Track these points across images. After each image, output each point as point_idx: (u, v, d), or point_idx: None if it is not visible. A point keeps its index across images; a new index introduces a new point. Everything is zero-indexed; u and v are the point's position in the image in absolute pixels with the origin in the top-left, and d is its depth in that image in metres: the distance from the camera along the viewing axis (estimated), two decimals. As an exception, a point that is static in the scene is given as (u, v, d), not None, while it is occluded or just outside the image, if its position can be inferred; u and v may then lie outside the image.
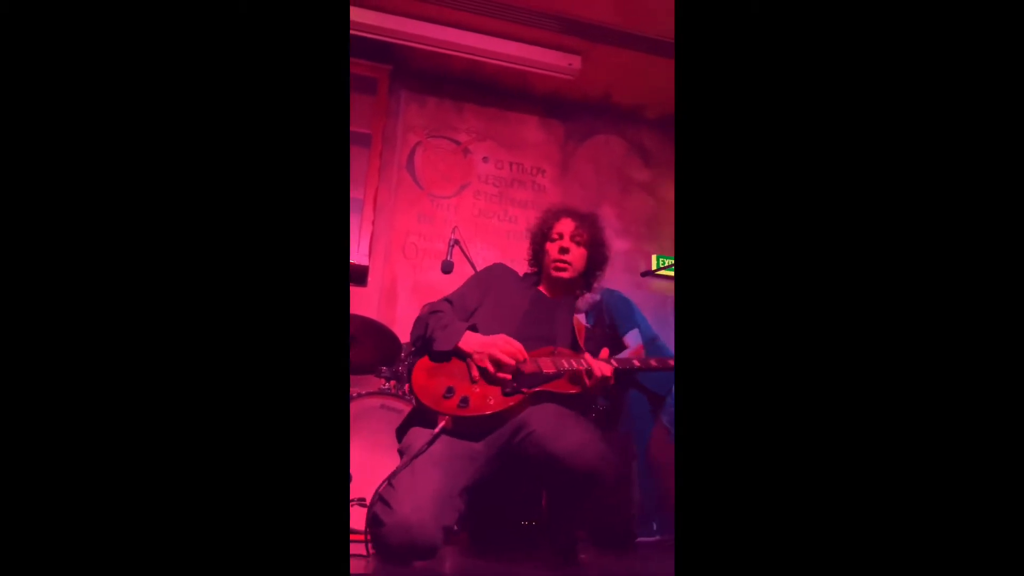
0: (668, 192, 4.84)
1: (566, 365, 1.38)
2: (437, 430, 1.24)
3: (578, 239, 1.63)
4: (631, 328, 2.97)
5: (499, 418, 1.30)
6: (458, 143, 4.50)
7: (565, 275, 1.62)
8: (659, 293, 3.79)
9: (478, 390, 1.32)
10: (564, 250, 1.61)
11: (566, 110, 4.65)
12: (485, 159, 4.54)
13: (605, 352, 1.41)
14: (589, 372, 1.33)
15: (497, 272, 1.66)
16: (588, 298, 3.04)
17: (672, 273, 4.16)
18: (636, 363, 1.49)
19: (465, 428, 1.30)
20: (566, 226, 1.65)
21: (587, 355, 1.37)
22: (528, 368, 1.36)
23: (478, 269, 2.54)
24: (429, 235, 4.29)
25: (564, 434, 1.24)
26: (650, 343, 3.03)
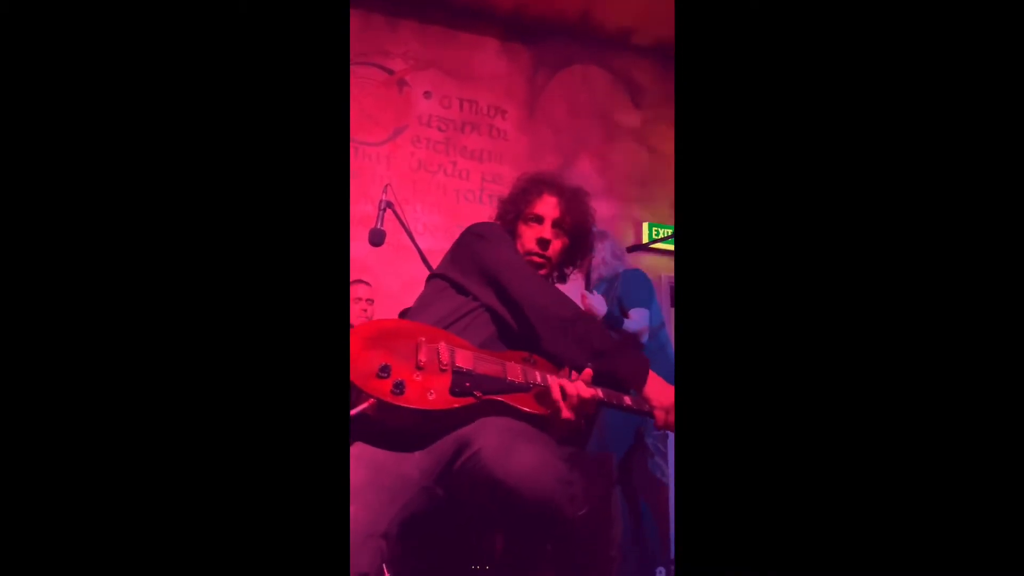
0: (665, 141, 4.59)
1: (539, 379, 1.30)
2: (356, 410, 1.18)
3: (563, 226, 1.57)
4: (640, 306, 2.99)
5: (439, 422, 1.24)
6: (391, 72, 4.23)
7: (540, 272, 1.56)
8: (651, 273, 3.48)
9: (420, 379, 1.25)
10: (544, 242, 1.54)
11: (534, 32, 4.43)
12: (427, 94, 4.27)
13: (588, 373, 1.31)
14: (563, 391, 1.27)
15: (495, 235, 1.59)
16: (602, 269, 3.20)
17: (671, 247, 4.04)
18: (628, 400, 1.40)
19: (394, 422, 1.22)
20: (549, 207, 1.56)
21: (565, 380, 1.30)
22: (488, 369, 1.30)
23: (416, 239, 2.45)
24: (353, 194, 3.93)
25: (513, 454, 1.17)
26: (658, 328, 3.05)
